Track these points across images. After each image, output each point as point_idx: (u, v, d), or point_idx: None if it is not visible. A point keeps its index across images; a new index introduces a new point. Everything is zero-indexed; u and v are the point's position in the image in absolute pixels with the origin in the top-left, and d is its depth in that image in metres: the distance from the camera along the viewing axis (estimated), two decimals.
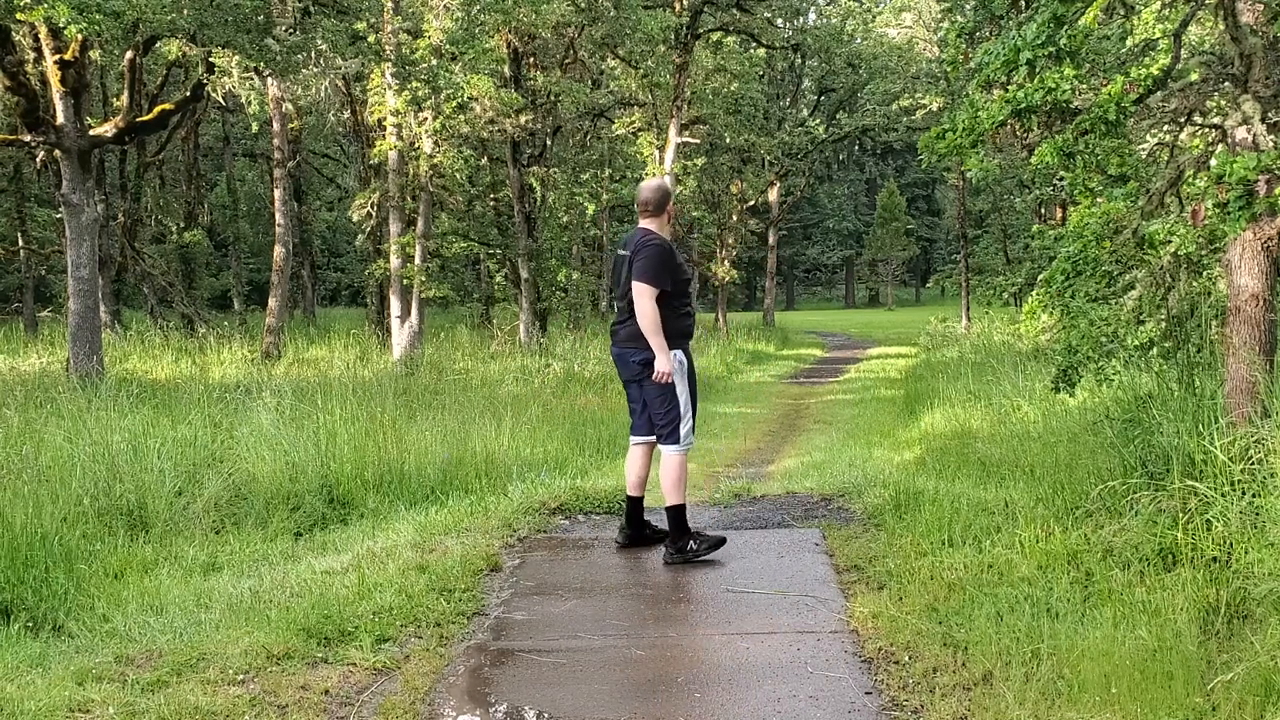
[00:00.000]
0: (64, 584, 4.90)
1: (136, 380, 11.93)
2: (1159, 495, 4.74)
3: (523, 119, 18.91)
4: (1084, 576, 4.42)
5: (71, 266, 12.39)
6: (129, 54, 15.16)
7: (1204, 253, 5.02)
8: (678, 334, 5.45)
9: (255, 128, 25.25)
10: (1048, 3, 4.58)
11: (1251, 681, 3.31)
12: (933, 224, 67.39)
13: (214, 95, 18.36)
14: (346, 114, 22.85)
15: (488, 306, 26.24)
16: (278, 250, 19.90)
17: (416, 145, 17.22)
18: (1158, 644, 3.59)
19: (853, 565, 5.22)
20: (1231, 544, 4.26)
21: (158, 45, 15.62)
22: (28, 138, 12.55)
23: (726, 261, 31.42)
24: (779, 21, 31.29)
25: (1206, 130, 5.63)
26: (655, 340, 5.31)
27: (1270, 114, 4.95)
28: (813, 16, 37.97)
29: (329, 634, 4.23)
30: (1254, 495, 4.37)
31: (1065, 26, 4.60)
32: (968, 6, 10.55)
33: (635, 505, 5.73)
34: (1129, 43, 7.27)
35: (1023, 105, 4.65)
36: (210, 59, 14.11)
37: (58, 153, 12.53)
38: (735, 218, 32.47)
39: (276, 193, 20.48)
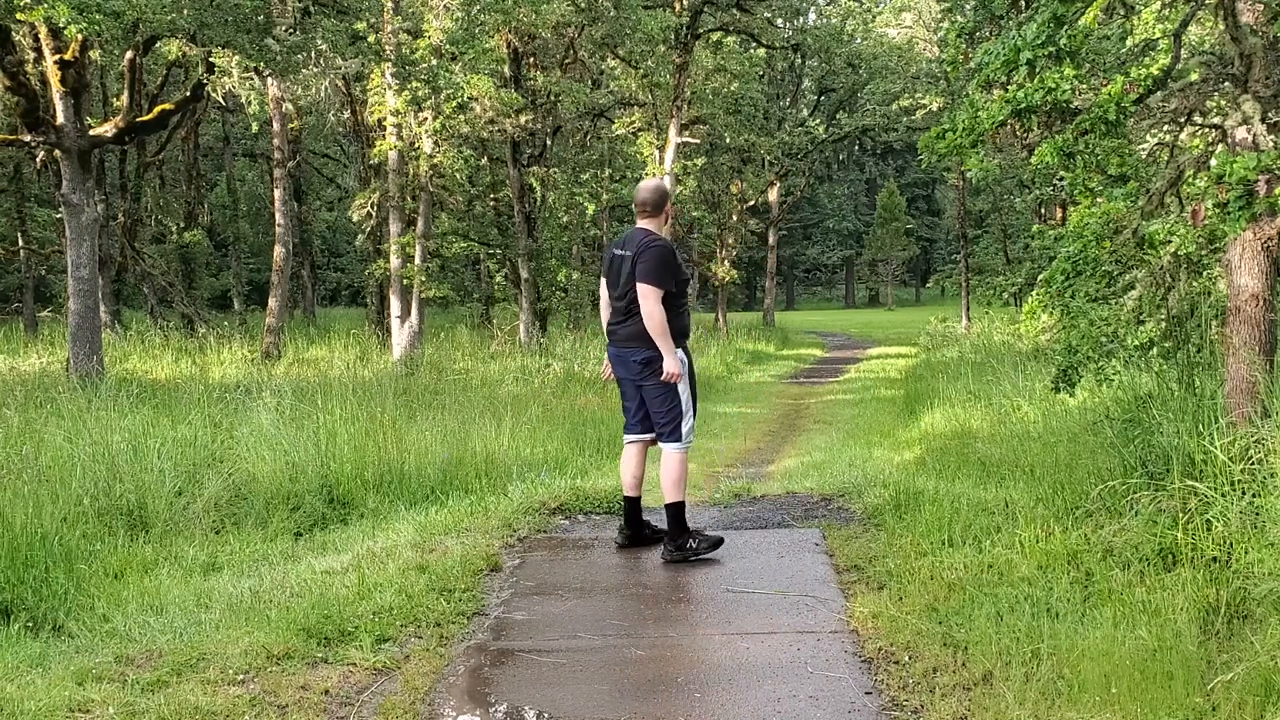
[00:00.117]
0: (64, 584, 4.90)
1: (136, 380, 11.92)
2: (1159, 495, 4.74)
3: (523, 119, 18.91)
4: (1084, 576, 4.42)
5: (71, 266, 12.39)
6: (129, 54, 15.16)
7: (1204, 253, 5.02)
8: (677, 333, 5.51)
9: (255, 128, 25.25)
10: (1048, 3, 4.58)
11: (1251, 681, 3.31)
12: (933, 224, 67.38)
13: (214, 95, 18.36)
14: (346, 114, 22.85)
15: (488, 306, 26.24)
16: (278, 250, 19.90)
17: (416, 145, 17.22)
18: (1158, 644, 3.59)
19: (853, 565, 5.22)
20: (1231, 544, 4.26)
21: (158, 45, 15.61)
22: (28, 138, 12.55)
23: (726, 261, 31.42)
24: (779, 21, 31.29)
25: (1206, 130, 5.63)
26: (664, 342, 5.37)
27: (1270, 114, 4.95)
28: (813, 16, 37.99)
29: (329, 634, 4.23)
30: (1254, 495, 4.37)
31: (1065, 26, 4.60)
32: (968, 6, 10.55)
33: (633, 505, 5.74)
34: (1129, 43, 7.26)
35: (1023, 105, 4.65)
36: (210, 59, 14.11)
37: (58, 153, 12.53)
38: (735, 218, 32.47)
39: (276, 193, 20.48)
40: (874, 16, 38.00)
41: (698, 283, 36.12)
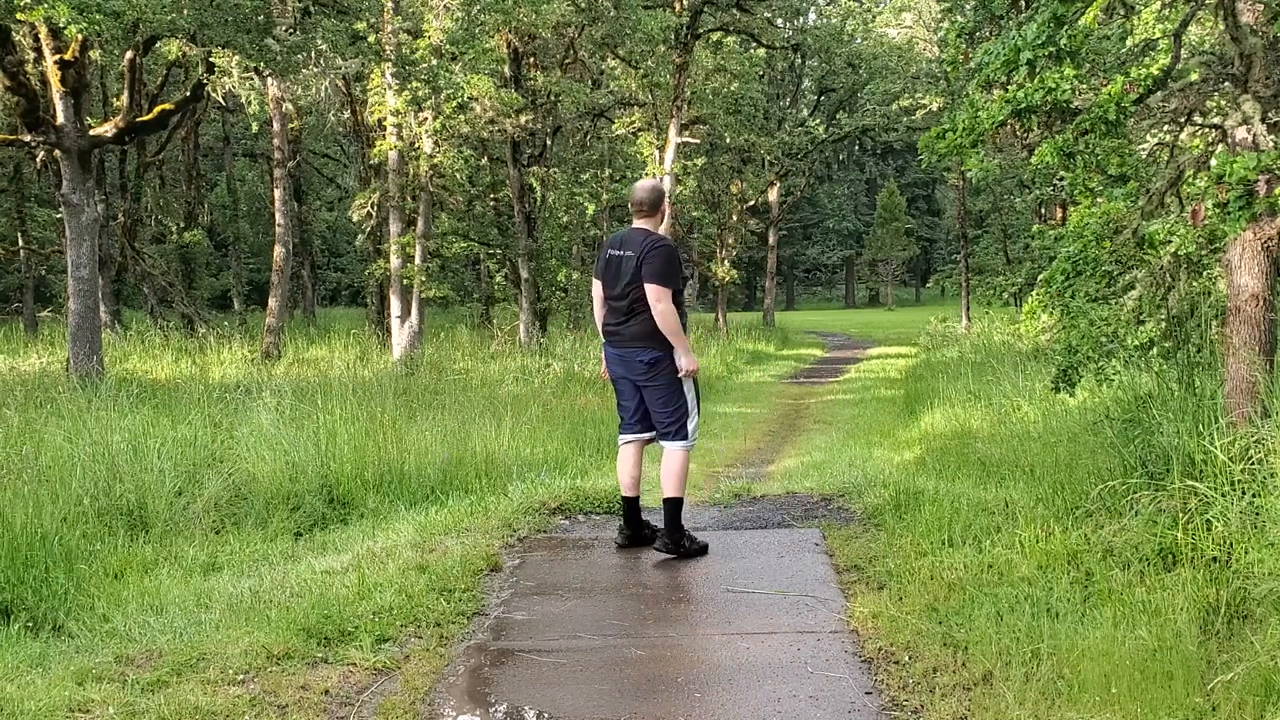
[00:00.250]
0: (64, 584, 4.89)
1: (136, 380, 11.92)
2: (1159, 495, 4.74)
3: (523, 119, 18.91)
4: (1084, 576, 4.42)
5: (71, 266, 12.39)
6: (129, 54, 15.16)
7: (1204, 253, 5.02)
8: None
9: (255, 128, 25.24)
10: (1048, 3, 4.59)
11: (1251, 681, 3.31)
12: (933, 224, 67.37)
13: (214, 95, 18.36)
14: (346, 114, 22.85)
15: (488, 306, 26.24)
16: (278, 250, 19.90)
17: (416, 145, 17.22)
18: (1158, 644, 3.59)
19: (853, 565, 5.22)
20: (1231, 544, 4.26)
21: (158, 45, 15.61)
22: (28, 138, 12.55)
23: (726, 261, 31.43)
24: (779, 21, 31.27)
25: (1206, 130, 5.63)
26: (680, 342, 5.45)
27: (1270, 114, 4.95)
28: (813, 16, 37.97)
29: (329, 634, 4.23)
30: (1254, 495, 4.37)
31: (1065, 26, 4.60)
32: (968, 6, 10.54)
33: (632, 505, 5.74)
34: (1129, 43, 7.26)
35: (1023, 105, 4.66)
36: (210, 59, 14.11)
37: (58, 153, 12.53)
38: (735, 218, 32.47)
39: (276, 193, 20.48)
40: (874, 16, 37.97)
41: (698, 283, 36.13)
